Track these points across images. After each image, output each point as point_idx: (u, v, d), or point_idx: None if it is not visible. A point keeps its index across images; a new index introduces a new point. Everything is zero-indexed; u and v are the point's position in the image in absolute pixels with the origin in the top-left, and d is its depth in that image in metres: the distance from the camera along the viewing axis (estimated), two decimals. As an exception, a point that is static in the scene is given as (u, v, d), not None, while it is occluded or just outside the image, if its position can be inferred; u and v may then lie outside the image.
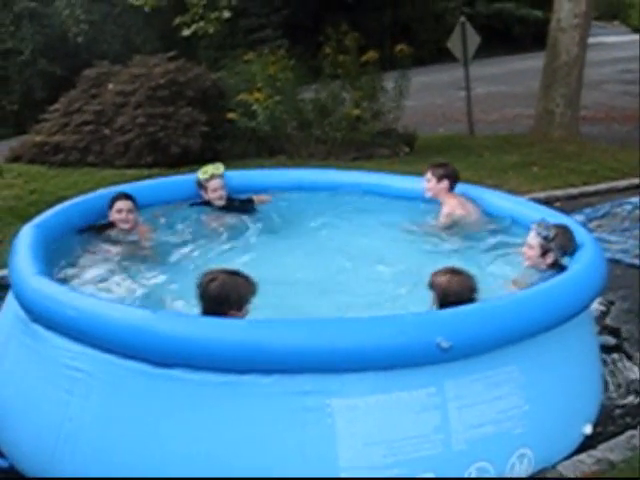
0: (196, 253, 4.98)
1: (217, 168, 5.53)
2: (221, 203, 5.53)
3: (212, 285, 3.43)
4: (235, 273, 3.53)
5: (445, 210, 5.28)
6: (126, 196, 5.08)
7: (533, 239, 4.24)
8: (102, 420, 3.26)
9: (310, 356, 3.11)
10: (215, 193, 5.49)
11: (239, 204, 5.65)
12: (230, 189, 5.62)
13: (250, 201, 5.72)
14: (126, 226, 5.02)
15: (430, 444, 3.15)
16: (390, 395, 3.15)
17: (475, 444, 3.22)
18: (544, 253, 4.19)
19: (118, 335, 3.25)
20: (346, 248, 5.03)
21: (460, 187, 5.44)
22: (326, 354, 3.11)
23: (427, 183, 5.39)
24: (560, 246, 4.18)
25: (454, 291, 3.58)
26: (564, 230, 4.24)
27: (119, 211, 5.01)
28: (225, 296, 3.42)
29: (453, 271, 3.70)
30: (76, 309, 3.39)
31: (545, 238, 4.18)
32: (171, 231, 5.33)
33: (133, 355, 3.21)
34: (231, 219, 5.50)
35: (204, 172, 5.51)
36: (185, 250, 5.02)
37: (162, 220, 5.45)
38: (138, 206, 5.12)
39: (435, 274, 3.70)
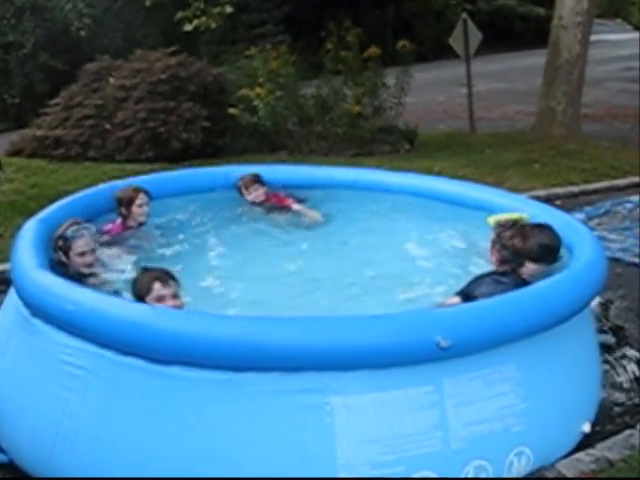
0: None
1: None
2: None
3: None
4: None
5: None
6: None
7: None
8: (100, 417, 3.26)
9: (309, 354, 3.10)
10: None
11: None
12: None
13: None
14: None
15: (428, 442, 3.15)
16: (388, 393, 3.14)
17: (473, 442, 3.22)
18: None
19: (116, 331, 3.24)
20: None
21: None
22: (325, 352, 3.10)
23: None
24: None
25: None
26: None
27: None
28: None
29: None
30: (75, 303, 3.39)
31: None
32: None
33: (131, 351, 3.21)
34: None
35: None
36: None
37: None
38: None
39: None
